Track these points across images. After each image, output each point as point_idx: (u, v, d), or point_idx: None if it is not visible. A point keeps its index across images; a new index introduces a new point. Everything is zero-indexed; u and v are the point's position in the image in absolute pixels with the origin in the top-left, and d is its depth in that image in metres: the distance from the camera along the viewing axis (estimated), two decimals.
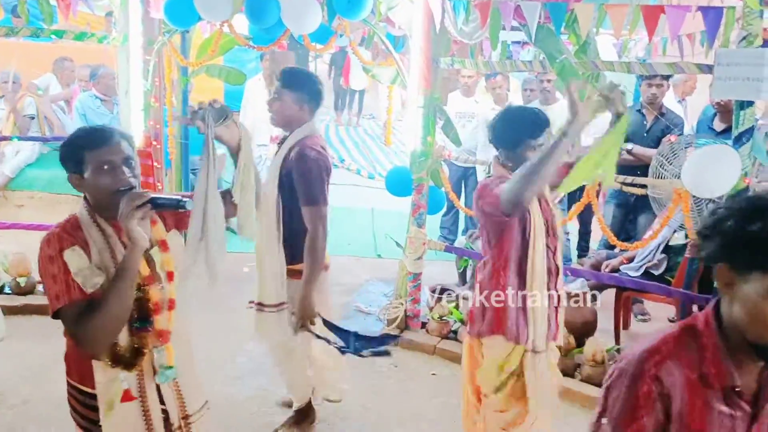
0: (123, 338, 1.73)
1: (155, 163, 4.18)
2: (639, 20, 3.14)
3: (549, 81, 4.79)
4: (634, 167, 4.21)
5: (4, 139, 5.17)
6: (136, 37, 3.99)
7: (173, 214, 1.87)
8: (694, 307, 3.94)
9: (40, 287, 4.19)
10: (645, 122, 4.43)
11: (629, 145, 4.35)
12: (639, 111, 4.45)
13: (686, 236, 3.68)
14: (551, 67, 3.21)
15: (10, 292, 4.21)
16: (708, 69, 2.90)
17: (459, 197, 5.17)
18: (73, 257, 1.65)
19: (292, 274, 2.72)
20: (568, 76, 3.07)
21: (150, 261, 1.78)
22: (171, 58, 4.27)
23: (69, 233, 1.70)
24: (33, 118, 5.71)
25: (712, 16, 2.87)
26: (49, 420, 3.08)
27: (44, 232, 1.71)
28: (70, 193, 5.82)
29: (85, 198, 1.77)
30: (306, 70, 3.14)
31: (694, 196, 3.14)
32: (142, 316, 1.75)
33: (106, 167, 1.69)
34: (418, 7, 3.70)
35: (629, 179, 3.51)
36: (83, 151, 1.69)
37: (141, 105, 4.04)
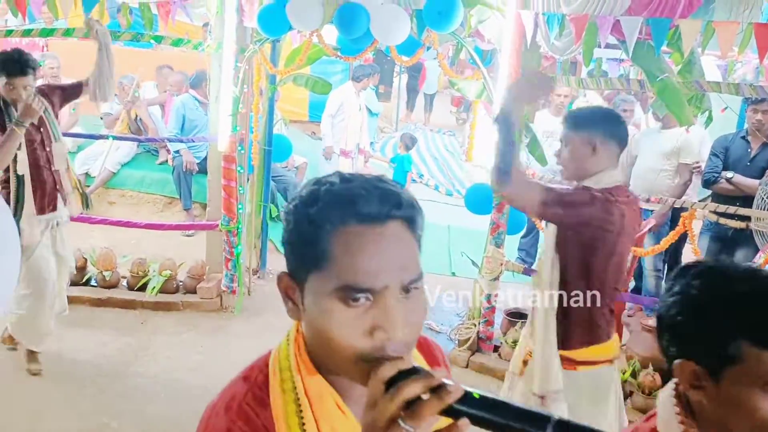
0: None
1: (239, 168, 4.27)
2: (750, 40, 2.92)
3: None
4: (734, 198, 3.92)
5: (101, 137, 5.44)
6: (230, 45, 4.09)
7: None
8: None
9: (124, 282, 4.35)
10: (749, 150, 4.11)
11: (729, 174, 4.06)
12: (743, 138, 4.15)
13: None
14: (651, 86, 3.04)
15: (95, 284, 4.36)
16: None
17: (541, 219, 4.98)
18: None
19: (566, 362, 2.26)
20: (669, 96, 2.89)
21: None
22: (261, 66, 4.36)
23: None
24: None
25: None
26: (122, 413, 3.17)
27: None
28: (158, 193, 6.07)
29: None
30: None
31: None
32: None
33: None
34: (509, 21, 3.60)
35: (730, 209, 3.27)
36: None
37: (230, 110, 4.14)
